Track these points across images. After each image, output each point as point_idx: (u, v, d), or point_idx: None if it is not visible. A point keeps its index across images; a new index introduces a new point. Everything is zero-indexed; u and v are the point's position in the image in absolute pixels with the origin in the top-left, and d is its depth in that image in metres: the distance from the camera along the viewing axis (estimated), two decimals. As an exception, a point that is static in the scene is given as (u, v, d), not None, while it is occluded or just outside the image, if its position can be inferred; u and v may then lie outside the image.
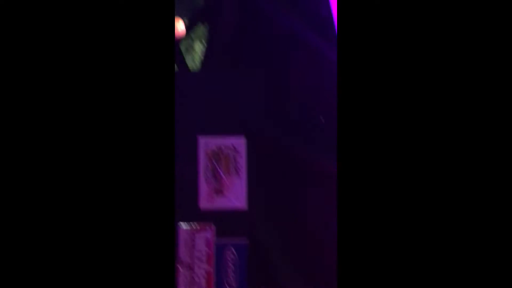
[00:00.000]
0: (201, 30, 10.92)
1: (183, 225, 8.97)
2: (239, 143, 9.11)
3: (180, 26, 4.89)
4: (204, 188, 9.67)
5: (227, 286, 9.26)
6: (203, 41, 10.70)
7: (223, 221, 9.17)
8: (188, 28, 10.52)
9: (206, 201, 9.64)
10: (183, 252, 9.00)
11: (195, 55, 11.22)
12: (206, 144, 9.79)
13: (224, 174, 9.84)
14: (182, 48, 10.40)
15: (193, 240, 9.05)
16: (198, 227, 9.06)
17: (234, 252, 9.28)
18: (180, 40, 4.85)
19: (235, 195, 9.21)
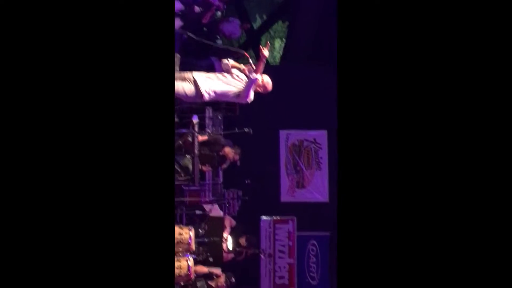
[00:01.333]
0: (281, 27, 10.95)
1: (265, 217, 8.99)
2: (321, 136, 9.11)
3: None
4: (285, 181, 9.69)
5: (309, 278, 9.27)
6: (283, 38, 10.69)
7: (305, 213, 9.13)
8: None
9: (288, 194, 9.63)
10: (264, 243, 8.99)
11: (274, 51, 11.23)
12: (288, 138, 9.81)
13: (305, 167, 9.87)
14: (262, 44, 10.28)
15: (274, 232, 9.06)
16: (280, 220, 9.09)
17: (316, 245, 9.30)
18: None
19: (317, 189, 9.17)
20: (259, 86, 5.04)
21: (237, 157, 7.13)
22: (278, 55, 9.81)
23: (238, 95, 5.03)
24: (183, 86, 4.98)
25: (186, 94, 5.03)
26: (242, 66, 5.13)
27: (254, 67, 4.97)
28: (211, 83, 4.99)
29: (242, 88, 4.97)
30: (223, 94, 5.12)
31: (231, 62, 5.10)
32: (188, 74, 5.10)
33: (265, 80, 5.07)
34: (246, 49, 9.24)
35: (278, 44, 9.96)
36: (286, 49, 9.44)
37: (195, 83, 4.98)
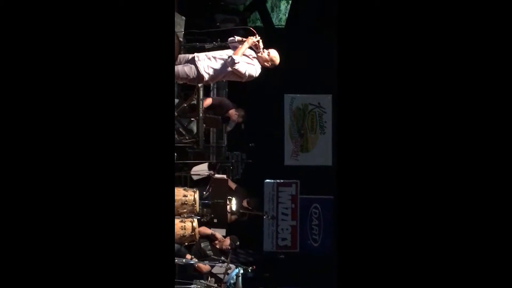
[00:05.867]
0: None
1: (268, 180, 9.04)
2: (326, 100, 9.08)
3: None
4: (289, 145, 9.73)
5: (311, 240, 9.36)
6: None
7: (309, 177, 9.18)
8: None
9: (291, 158, 9.67)
10: (267, 206, 9.04)
11: (279, 13, 11.11)
12: (292, 101, 9.78)
13: (309, 131, 9.87)
14: (268, 6, 10.28)
15: (277, 195, 9.14)
16: (283, 183, 9.13)
17: (319, 208, 9.38)
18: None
19: (321, 153, 9.18)
20: (266, 61, 4.94)
21: (240, 119, 7.15)
22: (283, 17, 9.69)
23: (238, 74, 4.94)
24: (183, 68, 4.93)
25: (187, 75, 4.96)
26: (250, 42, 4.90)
27: (262, 45, 4.86)
28: (211, 63, 4.93)
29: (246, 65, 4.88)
30: (223, 74, 5.02)
31: (237, 38, 4.98)
32: (188, 55, 5.06)
33: (272, 54, 4.95)
34: (251, 11, 9.12)
35: (284, 6, 9.83)
36: (291, 11, 9.33)
37: (195, 64, 4.92)
